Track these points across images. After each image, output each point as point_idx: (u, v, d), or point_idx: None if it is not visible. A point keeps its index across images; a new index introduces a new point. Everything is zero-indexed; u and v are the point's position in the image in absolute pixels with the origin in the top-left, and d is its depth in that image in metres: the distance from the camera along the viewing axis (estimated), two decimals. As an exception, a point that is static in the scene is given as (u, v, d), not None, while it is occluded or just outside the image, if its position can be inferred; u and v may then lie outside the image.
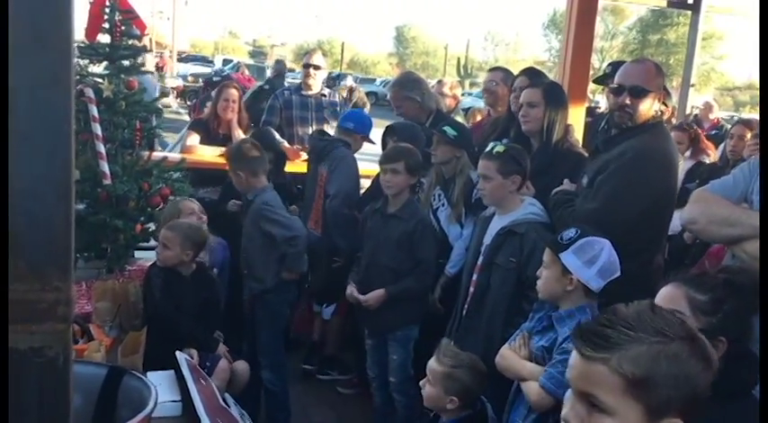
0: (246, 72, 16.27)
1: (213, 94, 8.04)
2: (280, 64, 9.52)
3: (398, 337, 3.45)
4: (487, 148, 3.09)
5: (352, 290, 3.49)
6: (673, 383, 1.13)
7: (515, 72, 4.35)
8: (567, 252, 2.34)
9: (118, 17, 3.90)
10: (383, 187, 3.46)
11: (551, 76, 5.27)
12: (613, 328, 1.17)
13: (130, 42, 4.06)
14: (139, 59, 4.19)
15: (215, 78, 9.56)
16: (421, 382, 2.65)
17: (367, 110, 8.58)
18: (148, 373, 2.56)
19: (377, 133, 4.35)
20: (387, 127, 4.11)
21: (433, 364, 2.61)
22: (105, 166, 3.80)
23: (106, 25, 3.93)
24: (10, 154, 1.09)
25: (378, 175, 4.26)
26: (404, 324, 3.45)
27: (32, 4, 1.02)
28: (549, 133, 3.35)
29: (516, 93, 3.68)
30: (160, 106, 4.77)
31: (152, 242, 4.06)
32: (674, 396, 1.13)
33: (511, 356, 2.49)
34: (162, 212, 4.06)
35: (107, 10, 3.91)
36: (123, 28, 3.93)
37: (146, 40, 5.14)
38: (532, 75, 3.99)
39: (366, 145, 4.49)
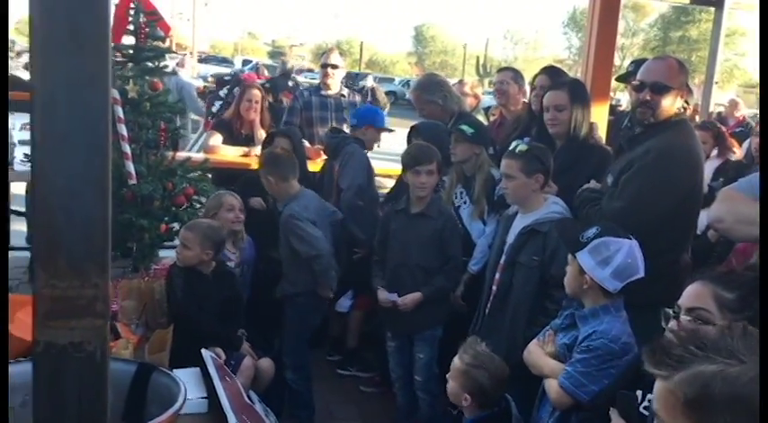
0: (266, 72, 16.33)
1: (222, 93, 8.14)
2: (284, 63, 9.56)
3: (425, 337, 3.46)
4: (510, 147, 3.09)
5: (384, 294, 3.48)
6: (728, 407, 1.06)
7: (534, 71, 4.35)
8: (583, 251, 2.34)
9: (142, 19, 3.96)
10: (416, 189, 3.45)
11: (571, 75, 5.25)
12: (683, 346, 1.13)
13: (154, 44, 4.12)
14: (176, 61, 4.26)
15: (225, 78, 9.68)
16: (447, 376, 2.67)
17: (386, 110, 8.61)
18: (175, 371, 2.59)
19: (398, 133, 4.37)
20: (411, 127, 4.14)
21: (456, 358, 2.64)
22: (131, 167, 3.86)
23: (131, 27, 3.99)
24: (49, 153, 1.12)
25: (401, 174, 4.34)
26: (431, 324, 3.46)
27: (71, 7, 1.05)
28: (575, 132, 3.36)
29: (537, 91, 3.68)
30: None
31: (176, 241, 4.11)
32: (729, 421, 1.06)
33: (536, 352, 2.50)
34: (186, 212, 4.11)
35: (132, 12, 3.96)
36: (148, 30, 3.98)
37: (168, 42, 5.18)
38: (553, 73, 3.97)
39: (389, 145, 4.52)
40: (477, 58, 40.51)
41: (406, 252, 3.47)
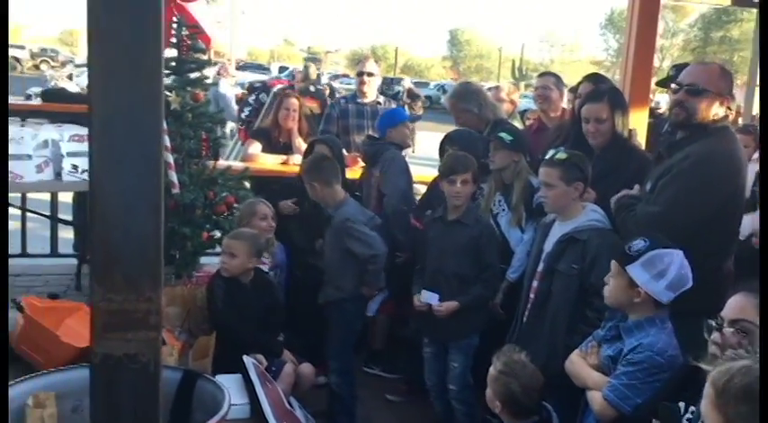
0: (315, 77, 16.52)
1: (251, 99, 8.25)
2: (307, 69, 9.69)
3: (460, 345, 3.46)
4: (548, 156, 3.08)
5: (426, 296, 3.50)
6: (744, 398, 1.10)
7: (571, 73, 4.32)
8: (635, 265, 2.32)
9: (185, 32, 4.06)
10: (451, 197, 3.47)
11: (612, 77, 5.21)
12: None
13: (196, 56, 4.22)
14: (217, 69, 4.35)
15: (256, 85, 9.90)
16: (487, 394, 2.68)
17: (420, 112, 8.66)
18: (217, 377, 2.65)
19: (429, 137, 4.39)
20: (445, 136, 4.16)
21: (492, 366, 2.64)
22: (174, 176, 3.95)
23: (173, 40, 4.09)
24: (106, 172, 1.17)
25: (433, 181, 4.33)
26: (467, 332, 3.46)
27: (127, 34, 1.10)
28: (614, 140, 3.35)
29: (582, 99, 3.66)
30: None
31: (217, 249, 4.20)
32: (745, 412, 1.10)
33: (579, 363, 2.49)
34: (227, 220, 4.19)
35: (174, 25, 4.06)
36: (190, 42, 4.07)
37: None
38: (597, 81, 3.95)
39: (426, 150, 4.55)
40: (513, 61, 40.24)
41: (442, 260, 3.48)
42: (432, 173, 4.64)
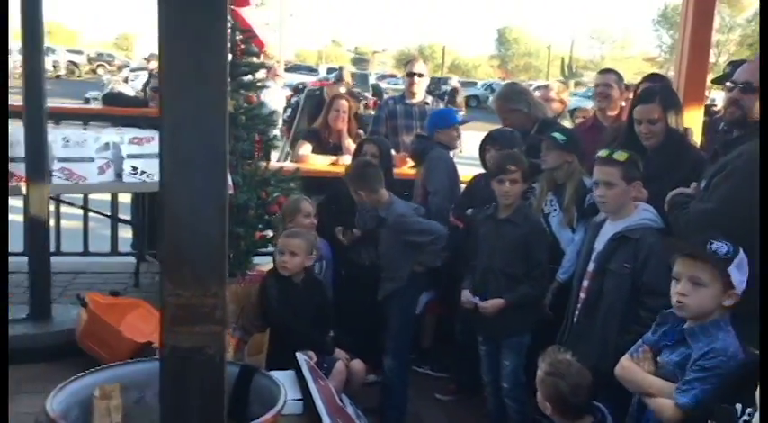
0: (350, 79, 16.63)
1: (293, 100, 8.36)
2: (341, 70, 9.79)
3: (512, 344, 3.46)
4: (604, 154, 3.06)
5: (468, 296, 3.54)
6: None
7: (623, 70, 4.27)
8: (732, 268, 2.28)
9: (239, 37, 4.16)
10: (501, 197, 3.49)
11: (665, 73, 5.12)
12: None
13: (249, 60, 4.32)
14: (269, 72, 4.43)
15: (299, 86, 10.10)
16: (539, 398, 2.68)
17: (462, 112, 8.65)
18: (271, 373, 2.72)
19: (476, 137, 4.41)
20: (486, 135, 4.18)
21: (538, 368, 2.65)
22: (229, 178, 4.05)
23: (228, 44, 4.19)
24: (176, 176, 1.24)
25: (472, 180, 4.40)
26: (518, 331, 3.46)
27: (194, 45, 1.16)
28: (668, 140, 3.32)
29: (634, 100, 3.63)
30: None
31: (269, 248, 4.29)
32: None
33: (635, 370, 2.45)
34: (280, 220, 4.28)
35: (229, 30, 4.17)
36: (244, 47, 4.18)
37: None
38: (655, 81, 3.91)
39: (473, 150, 4.56)
40: (563, 59, 39.74)
41: (491, 257, 3.50)
42: (465, 172, 4.68)
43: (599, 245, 3.05)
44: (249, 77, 4.38)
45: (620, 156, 2.99)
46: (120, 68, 24.49)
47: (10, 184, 3.86)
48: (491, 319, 3.45)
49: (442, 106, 6.12)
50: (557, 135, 3.65)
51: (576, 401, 2.50)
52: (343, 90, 8.47)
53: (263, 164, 4.51)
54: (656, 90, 3.60)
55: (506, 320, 3.43)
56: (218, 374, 1.29)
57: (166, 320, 1.25)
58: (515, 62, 66.45)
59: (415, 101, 5.65)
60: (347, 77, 8.71)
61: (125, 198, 5.68)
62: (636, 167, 2.99)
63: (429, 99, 5.85)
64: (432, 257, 3.81)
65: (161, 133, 1.22)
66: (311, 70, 38.13)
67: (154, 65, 10.13)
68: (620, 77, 4.72)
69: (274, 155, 6.11)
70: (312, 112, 8.47)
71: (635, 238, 2.89)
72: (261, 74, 4.98)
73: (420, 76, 5.70)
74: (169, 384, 1.26)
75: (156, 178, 4.20)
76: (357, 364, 3.50)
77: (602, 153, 3.07)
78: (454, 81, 17.38)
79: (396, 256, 3.78)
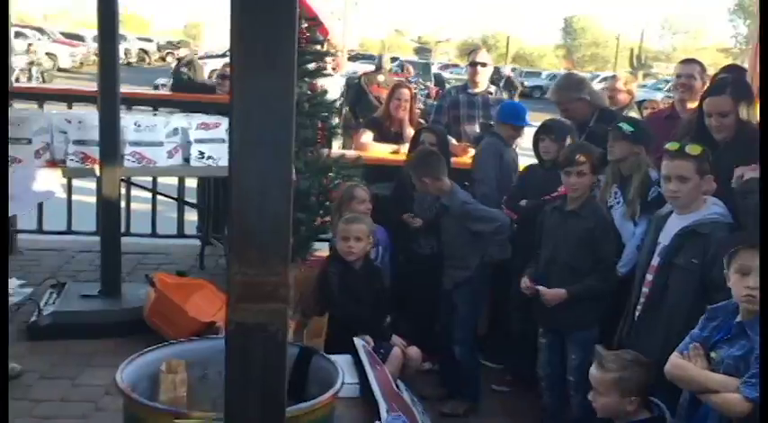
0: (411, 69, 16.60)
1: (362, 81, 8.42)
2: (381, 58, 9.77)
3: (577, 338, 3.41)
4: (675, 148, 2.98)
5: (527, 282, 3.51)
6: None
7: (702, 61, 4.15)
8: None
9: (304, 25, 4.22)
10: (569, 188, 3.46)
11: (738, 64, 4.93)
12: None
13: (314, 48, 4.38)
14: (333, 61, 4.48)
15: (354, 74, 10.25)
16: (590, 396, 2.65)
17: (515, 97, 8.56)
18: (329, 356, 2.77)
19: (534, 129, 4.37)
20: (540, 125, 4.14)
21: (597, 374, 2.61)
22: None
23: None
24: (244, 159, 1.29)
25: (525, 170, 4.36)
26: (583, 324, 3.41)
27: (264, 32, 1.20)
28: (740, 133, 3.21)
29: (704, 92, 3.53)
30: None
31: (329, 234, 4.36)
32: None
33: (689, 367, 2.40)
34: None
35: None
36: (308, 34, 4.23)
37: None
38: (733, 73, 3.78)
39: (527, 143, 4.53)
40: (632, 49, 38.65)
41: (556, 249, 3.47)
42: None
43: (664, 239, 2.98)
44: (313, 65, 4.44)
45: (694, 149, 2.91)
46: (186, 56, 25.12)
47: (84, 165, 4.04)
48: (556, 311, 3.42)
49: (505, 97, 6.06)
50: (624, 125, 3.57)
51: (653, 382, 2.50)
52: (381, 78, 8.49)
53: (326, 151, 4.57)
54: (727, 81, 3.48)
55: (572, 313, 3.39)
56: (281, 351, 1.33)
57: (233, 298, 1.30)
58: (582, 52, 65.01)
59: (477, 90, 5.61)
60: (387, 65, 8.72)
61: (191, 183, 5.84)
62: (708, 161, 2.91)
63: (492, 88, 5.80)
64: (500, 250, 3.82)
65: (232, 116, 1.26)
66: (373, 59, 38.18)
67: (184, 52, 10.44)
68: (703, 68, 4.56)
69: (335, 143, 6.18)
70: (352, 100, 8.53)
71: (704, 234, 2.82)
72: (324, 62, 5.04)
73: (483, 65, 5.66)
74: (234, 359, 1.32)
75: (222, 163, 4.33)
76: (414, 351, 3.53)
77: (673, 146, 2.99)
78: (507, 69, 17.07)
79: (461, 245, 3.80)
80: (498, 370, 4.34)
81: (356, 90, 8.31)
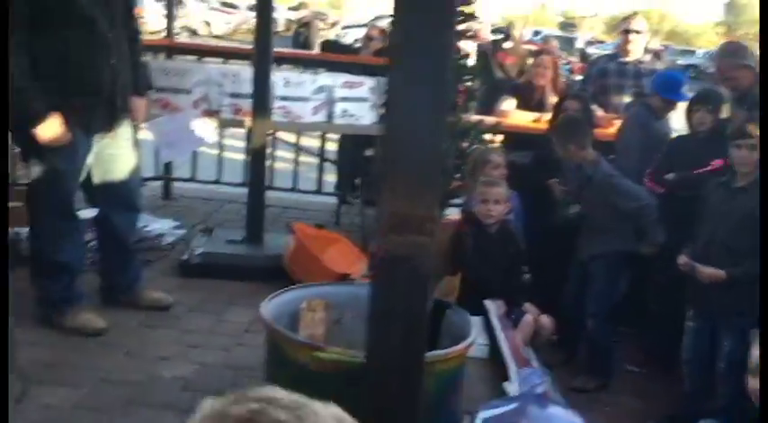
0: (555, 43, 16.09)
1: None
2: (509, 28, 9.38)
3: (733, 325, 3.17)
4: None
5: (686, 259, 3.31)
6: None
7: None
8: None
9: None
10: (737, 163, 3.23)
11: None
12: None
13: (460, 8, 4.31)
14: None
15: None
16: (750, 385, 2.47)
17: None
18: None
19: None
20: (694, 95, 3.88)
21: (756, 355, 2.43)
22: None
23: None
24: (401, 107, 1.30)
25: (672, 142, 4.14)
26: (739, 310, 3.15)
27: (418, 20, 1.21)
28: None
29: None
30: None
31: (460, 199, 4.34)
32: None
33: None
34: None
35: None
36: (462, -7, 4.17)
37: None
38: None
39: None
40: (803, 27, 35.15)
41: (716, 228, 3.24)
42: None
43: None
44: (461, 27, 4.38)
45: None
46: (333, 25, 25.75)
47: (236, 117, 4.26)
48: (712, 294, 3.21)
49: (659, 65, 5.71)
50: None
51: None
52: (509, 45, 8.21)
53: (465, 115, 4.53)
54: None
55: (727, 297, 3.17)
56: (423, 282, 1.36)
57: (384, 228, 1.32)
58: (745, 30, 60.03)
59: (629, 59, 5.33)
60: (517, 34, 8.42)
61: (331, 146, 6.02)
62: None
63: (646, 57, 5.49)
64: (652, 233, 3.62)
65: (392, 54, 1.28)
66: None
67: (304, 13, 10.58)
68: None
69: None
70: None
71: None
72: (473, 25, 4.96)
73: (638, 32, 5.35)
74: (381, 285, 1.35)
75: (364, 121, 4.42)
76: (546, 320, 3.46)
77: None
78: (654, 42, 16.03)
79: (601, 218, 3.68)
80: (632, 347, 4.18)
81: (481, 57, 8.14)
